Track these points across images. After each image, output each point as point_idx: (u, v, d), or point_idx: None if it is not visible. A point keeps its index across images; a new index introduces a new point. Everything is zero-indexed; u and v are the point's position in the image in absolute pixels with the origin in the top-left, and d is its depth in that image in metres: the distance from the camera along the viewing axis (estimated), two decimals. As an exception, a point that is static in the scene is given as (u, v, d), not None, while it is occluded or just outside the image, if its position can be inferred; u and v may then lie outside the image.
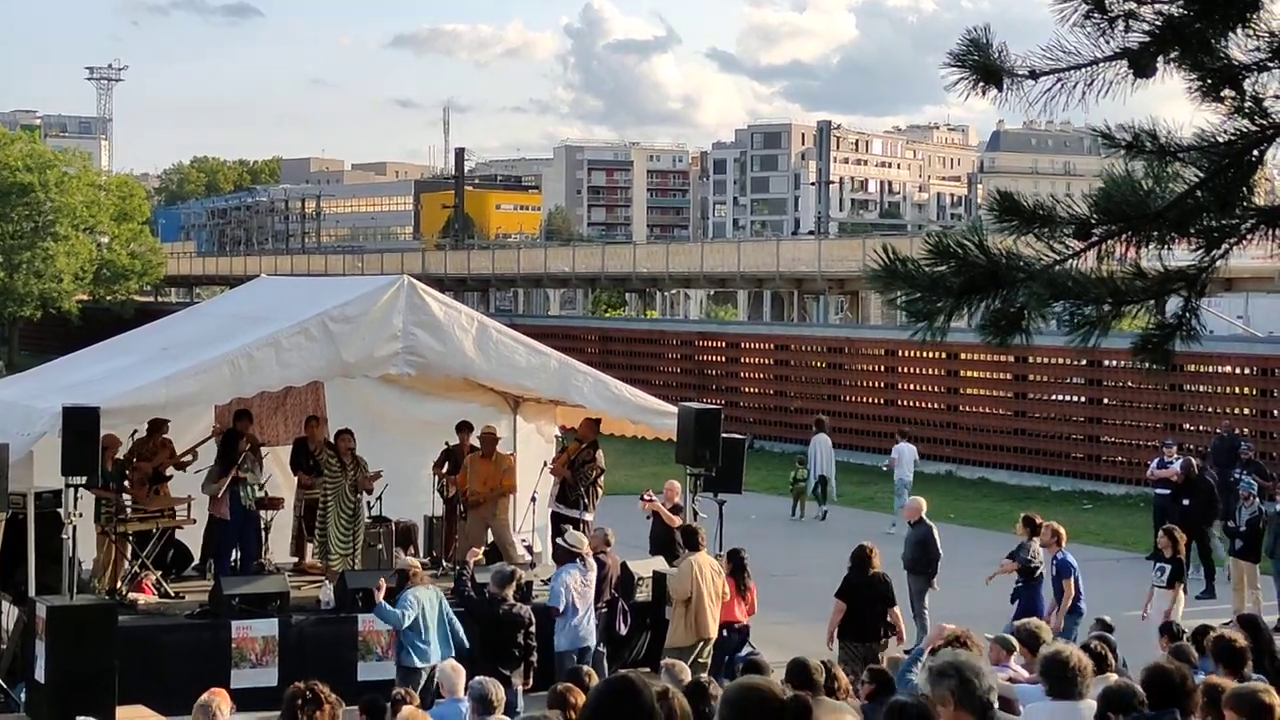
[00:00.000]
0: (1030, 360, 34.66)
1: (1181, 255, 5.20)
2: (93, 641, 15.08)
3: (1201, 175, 4.90)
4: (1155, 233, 4.89)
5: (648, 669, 16.02)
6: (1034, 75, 4.91)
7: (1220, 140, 4.88)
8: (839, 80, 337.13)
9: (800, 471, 31.19)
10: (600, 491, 19.83)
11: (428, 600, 15.16)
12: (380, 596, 15.18)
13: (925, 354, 37.51)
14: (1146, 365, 5.30)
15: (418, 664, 14.92)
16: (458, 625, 15.26)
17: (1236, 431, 28.06)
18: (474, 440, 19.84)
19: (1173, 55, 4.76)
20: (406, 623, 14.90)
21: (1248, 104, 4.85)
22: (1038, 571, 17.36)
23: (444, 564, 19.26)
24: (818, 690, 9.39)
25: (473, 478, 19.41)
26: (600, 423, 19.63)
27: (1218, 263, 5.03)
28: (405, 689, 12.17)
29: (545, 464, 20.27)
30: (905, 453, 29.69)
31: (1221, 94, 4.85)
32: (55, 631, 15.09)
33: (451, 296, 19.95)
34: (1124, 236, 4.88)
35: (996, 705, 6.99)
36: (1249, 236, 5.00)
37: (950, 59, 4.95)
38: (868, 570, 16.39)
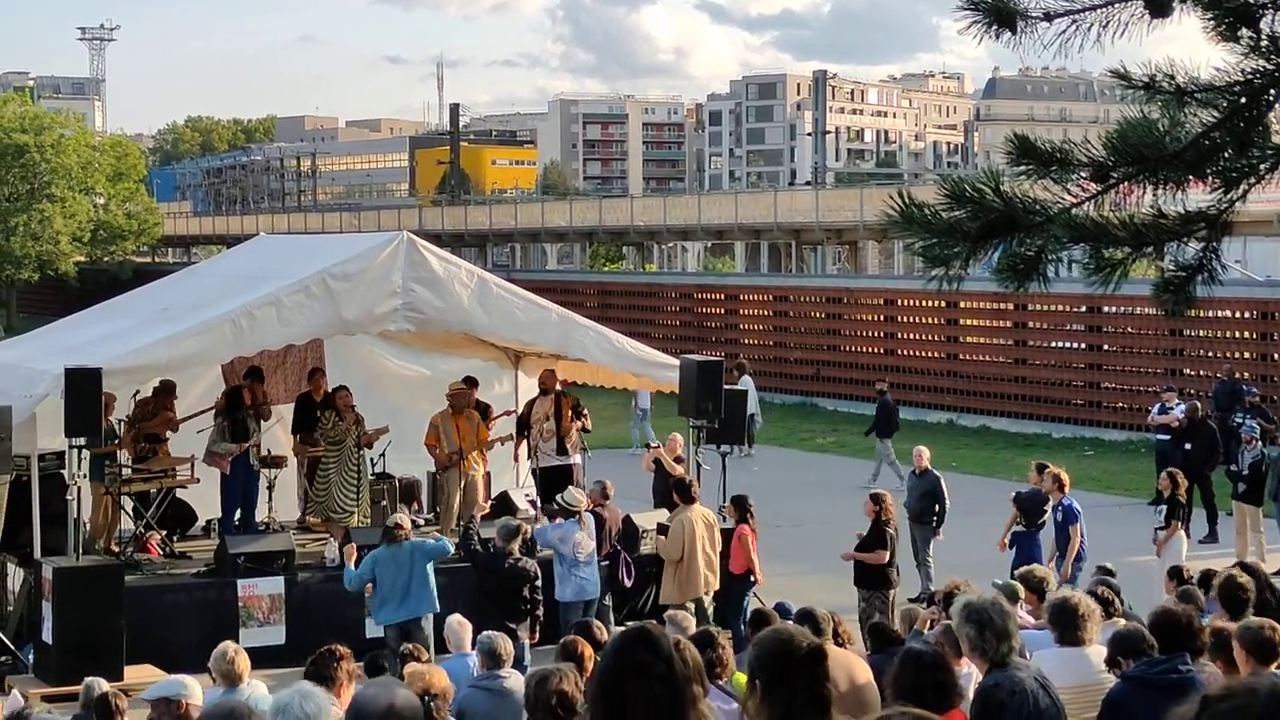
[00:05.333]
0: (1030, 307, 34.60)
1: (1197, 198, 5.17)
2: (99, 602, 15.12)
3: (1218, 116, 4.86)
4: (1173, 174, 4.84)
5: (653, 621, 16.06)
6: (1049, 17, 4.86)
7: (1238, 80, 4.83)
8: (831, 29, 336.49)
9: None
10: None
11: (394, 561, 14.99)
12: (351, 562, 15.29)
13: (924, 303, 37.46)
14: (1168, 309, 5.26)
15: (378, 619, 14.97)
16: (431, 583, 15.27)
17: (1237, 375, 28.04)
18: (457, 398, 19.50)
19: (1190, -6, 4.72)
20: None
21: (1264, 43, 4.80)
22: (1044, 518, 17.40)
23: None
24: (825, 639, 9.40)
25: (448, 437, 18.97)
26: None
27: (1236, 203, 4.99)
28: (414, 645, 12.17)
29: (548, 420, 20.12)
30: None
31: (1238, 33, 4.80)
32: (62, 592, 15.13)
33: (449, 253, 19.85)
34: (1141, 178, 4.84)
35: (1015, 654, 7.01)
36: (1268, 176, 4.96)
37: (963, 1, 4.89)
38: (888, 520, 16.74)
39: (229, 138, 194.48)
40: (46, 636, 15.32)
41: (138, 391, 18.01)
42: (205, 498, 18.89)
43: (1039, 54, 4.96)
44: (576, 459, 19.59)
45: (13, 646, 16.13)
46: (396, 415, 19.96)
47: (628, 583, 17.31)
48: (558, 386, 19.88)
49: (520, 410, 20.23)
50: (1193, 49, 5.13)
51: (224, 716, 4.47)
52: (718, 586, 16.58)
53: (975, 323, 36.93)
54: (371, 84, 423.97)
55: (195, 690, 9.02)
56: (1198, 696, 2.85)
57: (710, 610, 16.41)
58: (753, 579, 16.81)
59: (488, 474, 20.10)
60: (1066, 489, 17.31)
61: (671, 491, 18.99)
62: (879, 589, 16.52)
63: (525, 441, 19.84)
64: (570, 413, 19.59)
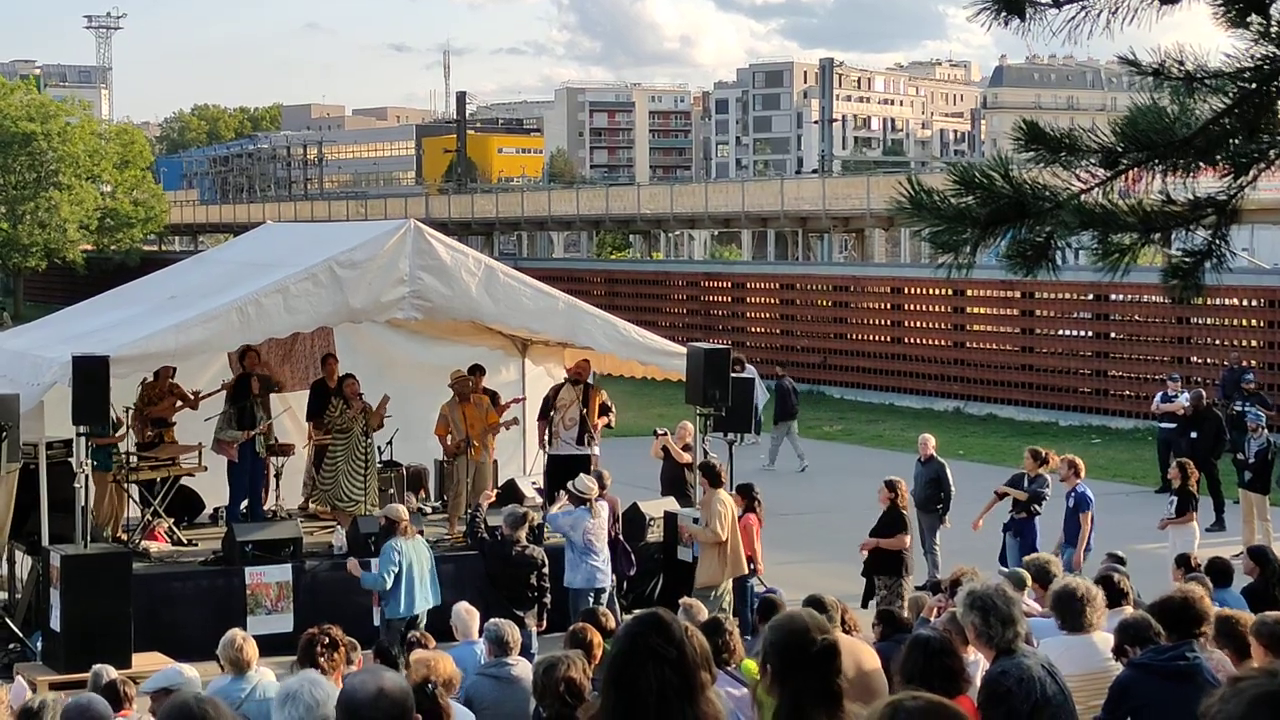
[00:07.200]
0: (1037, 295, 34.59)
1: (1206, 185, 5.16)
2: (107, 590, 15.13)
3: (1227, 102, 4.85)
4: (1182, 160, 4.84)
5: (663, 607, 16.03)
6: (1058, 4, 4.85)
7: (1247, 66, 4.82)
8: (837, 16, 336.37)
9: None
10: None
11: (414, 552, 15.08)
12: (357, 572, 15.30)
13: (931, 290, 37.45)
14: (1177, 295, 5.26)
15: (397, 614, 14.94)
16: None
17: (1244, 363, 28.03)
18: (460, 385, 19.39)
19: (1199, -21, 4.71)
20: (389, 584, 14.90)
21: (1274, 29, 4.79)
22: (1044, 501, 17.38)
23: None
24: (834, 627, 9.40)
25: (456, 425, 18.79)
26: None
27: (1245, 190, 4.98)
28: (421, 632, 12.18)
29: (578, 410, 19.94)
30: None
31: (1248, 19, 4.79)
32: (70, 580, 15.14)
33: (456, 241, 19.81)
34: (1151, 164, 4.83)
35: (1021, 641, 7.02)
36: (1277, 162, 4.95)
37: (973, -11, 4.89)
38: (902, 506, 16.77)
39: (235, 126, 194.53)
40: (55, 624, 15.33)
41: (145, 380, 18.01)
42: (212, 486, 18.91)
43: (1047, 41, 4.95)
44: (596, 450, 19.55)
45: (21, 634, 16.18)
46: (404, 403, 19.94)
47: (629, 571, 17.31)
48: (589, 379, 19.85)
49: (546, 394, 20.09)
50: (1202, 35, 5.12)
51: (178, 710, 4.53)
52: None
53: (982, 310, 36.93)
54: (377, 72, 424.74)
55: (194, 678, 9.04)
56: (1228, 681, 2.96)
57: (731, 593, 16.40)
58: (753, 567, 16.82)
59: (494, 461, 20.09)
60: (1082, 474, 17.27)
61: (678, 479, 19.04)
62: (897, 574, 16.49)
63: (548, 429, 19.76)
64: (599, 408, 19.56)
